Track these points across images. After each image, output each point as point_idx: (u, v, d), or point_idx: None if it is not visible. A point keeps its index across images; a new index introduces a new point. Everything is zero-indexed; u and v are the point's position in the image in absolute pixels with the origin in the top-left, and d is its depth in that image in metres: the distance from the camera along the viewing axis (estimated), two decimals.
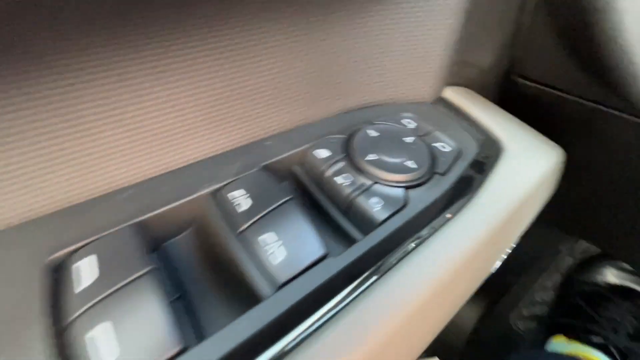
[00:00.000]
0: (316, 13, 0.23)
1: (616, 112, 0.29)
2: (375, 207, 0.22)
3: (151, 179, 0.21)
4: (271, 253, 0.18)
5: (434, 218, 0.22)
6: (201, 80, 0.21)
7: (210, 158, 0.23)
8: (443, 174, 0.24)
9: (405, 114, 0.29)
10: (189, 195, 0.21)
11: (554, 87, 0.34)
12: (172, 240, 0.22)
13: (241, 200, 0.21)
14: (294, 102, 0.25)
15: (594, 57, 0.25)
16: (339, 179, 0.23)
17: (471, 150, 0.26)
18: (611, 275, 0.78)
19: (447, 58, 0.29)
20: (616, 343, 0.67)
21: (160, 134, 0.21)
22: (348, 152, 0.25)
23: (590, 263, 0.83)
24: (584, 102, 0.32)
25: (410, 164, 0.24)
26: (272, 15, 0.21)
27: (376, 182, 0.23)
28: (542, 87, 0.34)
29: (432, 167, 0.24)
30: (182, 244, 0.21)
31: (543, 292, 0.89)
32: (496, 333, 0.84)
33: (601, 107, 0.30)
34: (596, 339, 0.68)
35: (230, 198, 0.21)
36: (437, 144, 0.26)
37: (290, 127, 0.26)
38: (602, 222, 0.48)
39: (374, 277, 0.19)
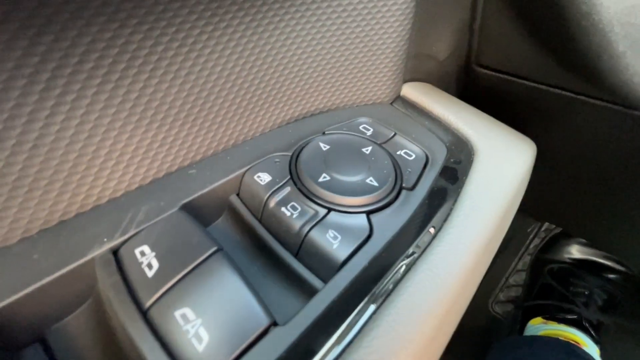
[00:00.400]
0: (248, 10, 0.18)
1: (583, 98, 0.27)
2: (333, 244, 0.17)
3: (20, 241, 0.15)
4: (193, 335, 0.13)
5: (407, 246, 0.18)
6: (90, 93, 0.15)
7: (110, 202, 0.17)
8: (411, 189, 0.20)
9: (361, 119, 0.24)
10: (77, 258, 0.15)
11: (515, 75, 0.31)
12: (63, 321, 0.16)
13: (151, 259, 0.15)
14: (225, 117, 0.20)
15: (561, 39, 0.22)
16: (285, 210, 0.18)
17: (440, 155, 0.23)
18: (576, 251, 0.81)
19: (403, 51, 0.25)
20: (588, 317, 0.69)
21: (31, 177, 0.15)
22: (295, 174, 0.20)
23: (556, 241, 0.86)
24: (548, 88, 0.30)
25: (371, 181, 0.20)
26: (194, 13, 0.16)
27: (332, 210, 0.18)
28: (504, 76, 0.32)
29: (398, 181, 0.20)
30: (75, 326, 0.15)
31: (516, 274, 0.91)
32: (477, 322, 0.85)
33: (567, 93, 0.28)
34: (570, 316, 0.70)
35: (137, 257, 0.15)
36: (400, 152, 0.22)
37: (222, 147, 0.21)
38: (568, 206, 0.47)
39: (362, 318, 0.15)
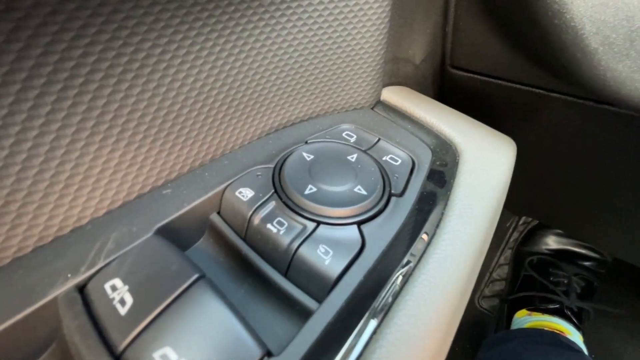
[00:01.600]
0: (219, 18, 0.17)
1: (556, 94, 0.28)
2: (325, 260, 0.16)
3: None
4: None
5: (402, 255, 0.17)
6: (44, 112, 0.13)
7: (74, 232, 0.15)
8: (400, 195, 0.20)
9: (344, 126, 0.24)
10: (36, 300, 0.13)
11: (489, 75, 0.32)
12: None
13: (124, 294, 0.13)
14: (200, 130, 0.19)
15: (533, 38, 0.22)
16: (271, 226, 0.17)
17: (425, 159, 0.22)
18: (552, 242, 0.84)
19: (381, 55, 0.25)
20: (569, 305, 0.71)
21: None
22: (279, 187, 0.19)
23: (533, 233, 0.88)
24: (522, 87, 0.30)
25: (360, 189, 0.19)
26: (161, 20, 0.15)
27: (321, 223, 0.17)
28: (478, 76, 0.32)
29: (386, 188, 0.20)
30: None
31: (499, 268, 0.93)
32: (464, 318, 0.86)
33: (541, 90, 0.29)
34: (552, 306, 0.72)
35: (107, 293, 0.14)
36: (386, 157, 0.22)
37: (199, 163, 0.19)
38: (544, 199, 0.49)
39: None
